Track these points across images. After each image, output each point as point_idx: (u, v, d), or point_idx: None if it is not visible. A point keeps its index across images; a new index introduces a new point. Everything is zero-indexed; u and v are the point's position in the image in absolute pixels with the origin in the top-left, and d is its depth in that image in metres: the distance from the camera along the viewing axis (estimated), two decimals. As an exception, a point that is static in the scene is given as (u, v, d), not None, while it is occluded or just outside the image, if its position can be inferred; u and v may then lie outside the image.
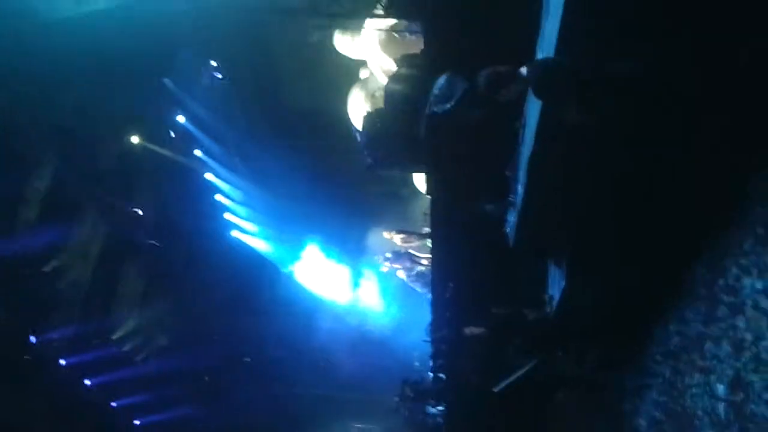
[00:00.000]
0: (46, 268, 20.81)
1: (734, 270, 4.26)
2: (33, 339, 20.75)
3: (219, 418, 25.62)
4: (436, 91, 7.43)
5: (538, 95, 4.48)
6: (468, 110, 6.86)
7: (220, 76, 21.35)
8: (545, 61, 4.65)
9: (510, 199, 6.12)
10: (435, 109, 7.39)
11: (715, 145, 4.21)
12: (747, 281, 4.10)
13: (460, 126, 7.04)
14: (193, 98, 21.53)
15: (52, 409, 20.69)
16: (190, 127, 22.19)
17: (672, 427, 5.09)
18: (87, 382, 22.99)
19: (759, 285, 3.97)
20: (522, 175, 5.42)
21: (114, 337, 24.45)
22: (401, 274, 18.41)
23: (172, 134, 22.04)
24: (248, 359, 27.24)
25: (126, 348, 24.93)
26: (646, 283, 5.44)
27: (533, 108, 4.86)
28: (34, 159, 19.21)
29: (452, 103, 7.07)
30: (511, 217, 6.12)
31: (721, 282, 4.40)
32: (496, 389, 8.21)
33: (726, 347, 4.30)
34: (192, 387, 25.69)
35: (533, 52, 5.18)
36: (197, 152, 23.09)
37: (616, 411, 6.35)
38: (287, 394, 26.51)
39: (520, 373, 7.81)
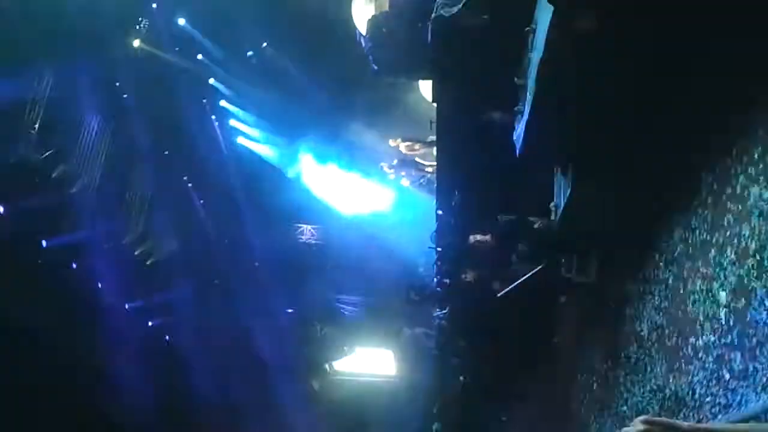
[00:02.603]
0: (55, 174, 20.93)
1: (742, 178, 4.24)
2: (44, 243, 21.08)
3: (229, 320, 26.32)
4: (444, -7, 7.23)
5: (550, -1, 4.34)
6: (476, 14, 6.68)
7: None
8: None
9: (518, 107, 6.03)
10: (442, 13, 7.21)
11: (728, 52, 4.11)
12: (754, 190, 4.08)
13: (468, 31, 6.88)
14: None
15: (66, 313, 21.23)
16: (192, 31, 21.75)
17: (673, 332, 5.20)
18: (99, 285, 23.52)
19: (766, 194, 3.96)
20: (531, 82, 5.33)
21: (124, 241, 24.84)
22: (406, 182, 18.44)
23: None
24: (257, 263, 27.72)
25: (137, 252, 25.39)
26: (652, 191, 5.44)
27: (544, 12, 4.72)
28: (38, 63, 18.96)
29: (460, 6, 6.89)
30: (519, 126, 6.06)
31: (728, 190, 4.39)
32: (499, 294, 8.37)
33: (730, 255, 4.33)
34: (203, 290, 26.27)
35: (545, -48, 4.97)
36: (200, 57, 22.72)
37: (617, 316, 6.48)
38: (294, 297, 27.11)
39: (523, 278, 7.95)
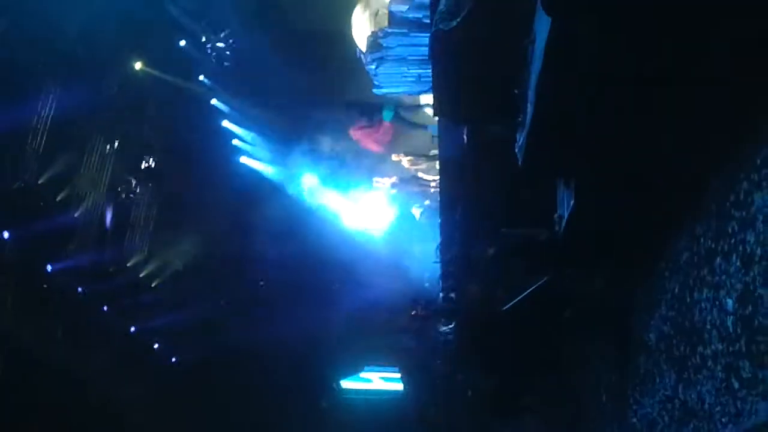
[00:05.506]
0: (59, 198, 20.99)
1: (745, 185, 4.22)
2: (50, 268, 21.08)
3: (235, 340, 26.24)
4: (441, 7, 7.24)
5: (548, 10, 4.33)
6: (475, 27, 6.69)
7: None
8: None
9: (519, 118, 6.02)
10: (440, 27, 7.21)
11: (731, 59, 4.10)
12: (758, 196, 4.07)
13: (467, 44, 6.88)
14: (197, 23, 21.18)
15: (72, 336, 21.22)
16: (194, 52, 21.91)
17: (681, 341, 5.16)
18: (105, 308, 23.50)
19: (770, 200, 3.94)
20: (531, 94, 5.32)
21: (129, 264, 24.85)
22: (409, 197, 18.45)
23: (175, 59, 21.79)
24: (262, 282, 27.70)
25: (142, 274, 25.39)
26: (656, 200, 5.41)
27: (543, 24, 4.72)
28: (39, 89, 19.07)
29: (458, 20, 6.90)
30: (521, 137, 6.04)
31: (731, 197, 4.37)
32: (505, 308, 8.31)
33: (735, 262, 4.31)
34: (209, 311, 26.23)
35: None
36: (201, 78, 22.86)
37: (624, 327, 6.43)
38: (301, 316, 27.02)
39: (529, 291, 7.89)
